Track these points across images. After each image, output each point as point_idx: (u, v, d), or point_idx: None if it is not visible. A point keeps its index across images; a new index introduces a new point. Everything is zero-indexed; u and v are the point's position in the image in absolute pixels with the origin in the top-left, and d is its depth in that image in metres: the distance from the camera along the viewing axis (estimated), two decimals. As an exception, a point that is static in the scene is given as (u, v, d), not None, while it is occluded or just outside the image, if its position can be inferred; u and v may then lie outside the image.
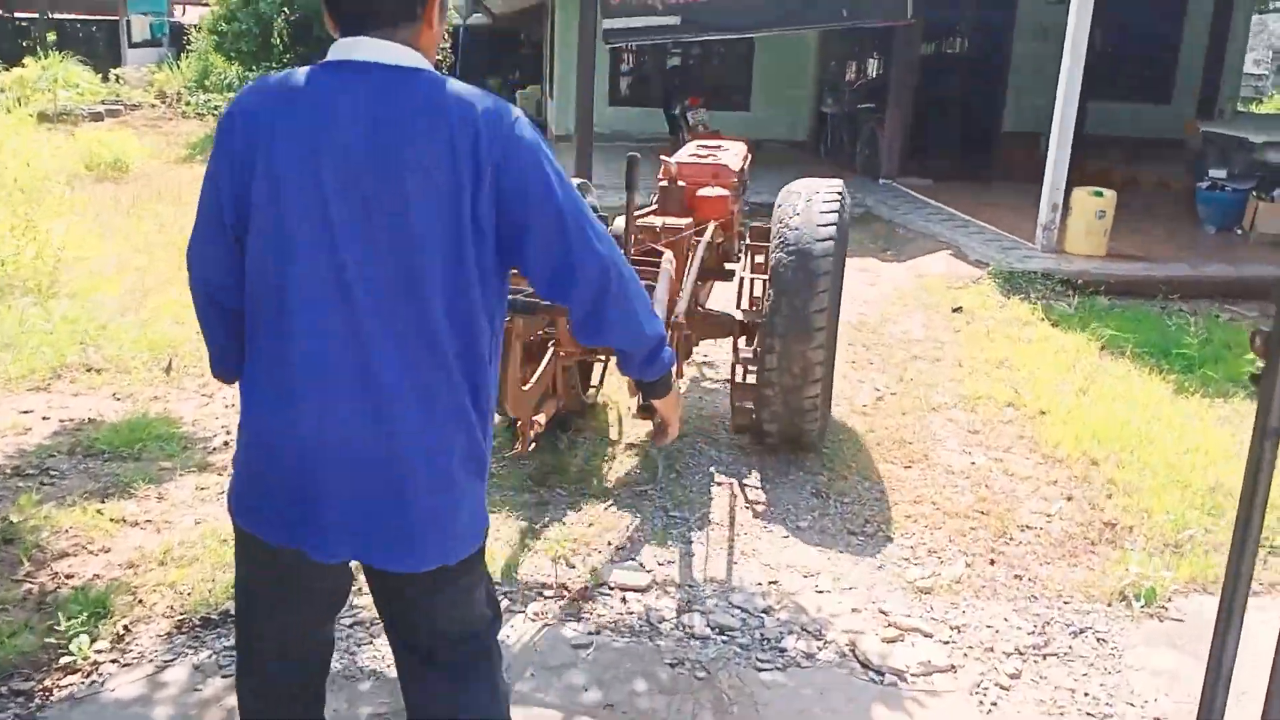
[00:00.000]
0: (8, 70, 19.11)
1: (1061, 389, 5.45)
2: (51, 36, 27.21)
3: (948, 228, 9.80)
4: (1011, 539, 3.90)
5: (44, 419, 4.70)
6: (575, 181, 4.91)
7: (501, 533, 3.74)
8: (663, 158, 5.26)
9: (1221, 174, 9.99)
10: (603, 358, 4.71)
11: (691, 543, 3.76)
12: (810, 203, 4.27)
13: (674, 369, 1.97)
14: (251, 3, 15.57)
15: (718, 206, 4.86)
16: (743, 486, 4.26)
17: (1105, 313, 7.12)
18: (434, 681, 1.93)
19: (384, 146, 1.64)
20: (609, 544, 3.70)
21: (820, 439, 4.52)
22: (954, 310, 7.10)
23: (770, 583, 3.49)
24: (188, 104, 18.83)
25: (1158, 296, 7.77)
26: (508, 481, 4.17)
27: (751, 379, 4.32)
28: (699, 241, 4.56)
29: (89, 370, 5.29)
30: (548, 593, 3.35)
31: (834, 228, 4.15)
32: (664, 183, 4.95)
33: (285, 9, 15.49)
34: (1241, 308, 7.68)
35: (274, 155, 1.68)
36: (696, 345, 4.85)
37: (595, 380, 5.03)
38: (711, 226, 4.79)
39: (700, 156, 5.28)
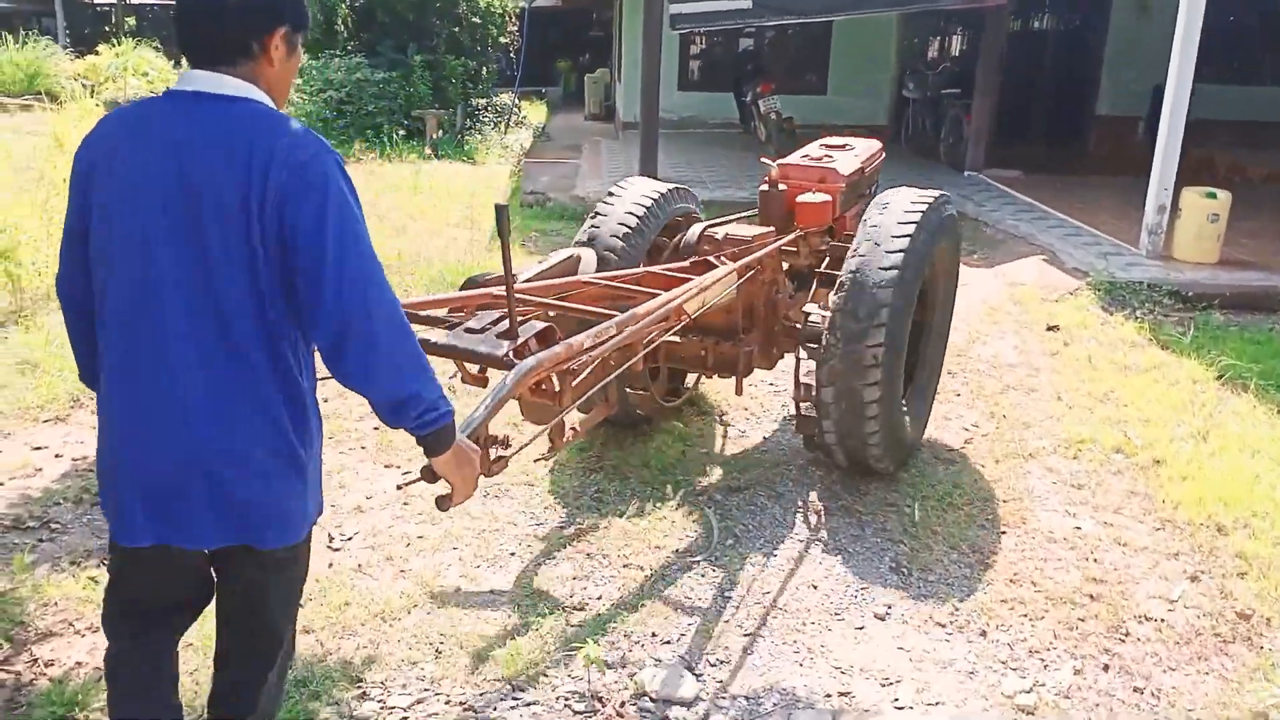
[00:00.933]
0: (81, 58, 19.21)
1: (1177, 432, 4.80)
2: (130, 21, 27.52)
3: (1040, 228, 9.07)
4: (1128, 634, 3.32)
5: (56, 456, 4.38)
6: (666, 188, 4.66)
7: (531, 620, 3.28)
8: (763, 159, 4.98)
9: (1347, 169, 9.09)
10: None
11: (750, 634, 3.26)
12: (894, 204, 4.14)
13: (444, 428, 1.92)
14: (316, -11, 15.29)
15: (817, 213, 4.49)
16: (810, 548, 3.74)
17: (1220, 333, 6.40)
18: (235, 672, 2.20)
19: (189, 172, 1.81)
20: (653, 635, 3.22)
21: (891, 458, 4.08)
22: (1049, 329, 6.44)
23: (842, 694, 2.97)
24: (256, 90, 18.66)
25: (1278, 311, 7.02)
26: (539, 548, 3.72)
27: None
28: (775, 251, 4.32)
29: (112, 398, 4.96)
30: (578, 704, 2.88)
31: (918, 215, 4.04)
32: (764, 187, 4.64)
33: (349, -5, 15.20)
34: (1376, 325, 6.89)
35: (108, 177, 1.88)
36: (781, 358, 4.51)
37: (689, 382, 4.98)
38: (791, 235, 4.48)
39: (814, 159, 4.83)
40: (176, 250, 1.82)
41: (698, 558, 3.68)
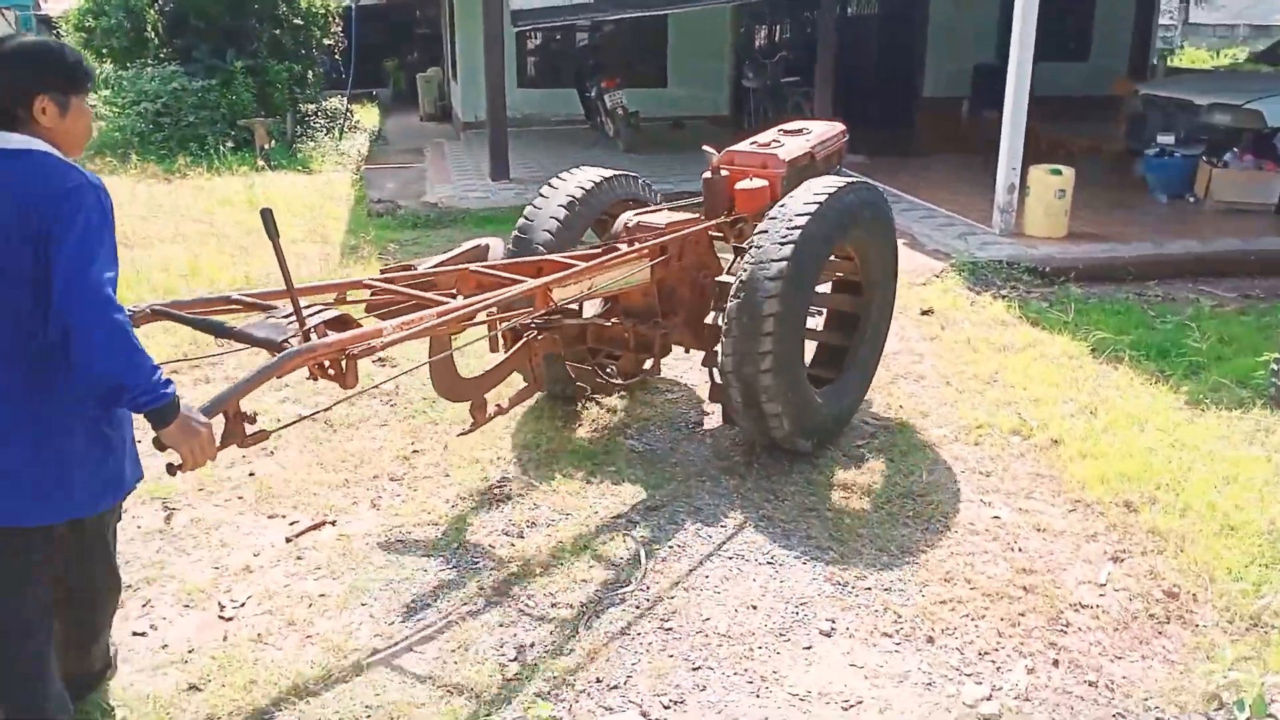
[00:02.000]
0: None
1: (1066, 409, 4.90)
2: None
3: (895, 211, 9.19)
4: (1068, 624, 3.31)
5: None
6: (605, 175, 4.83)
7: (463, 679, 3.01)
8: (705, 148, 4.97)
9: (1169, 139, 9.61)
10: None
11: (698, 667, 3.08)
12: (829, 176, 4.45)
13: (163, 407, 2.21)
14: (120, -7, 14.15)
15: (755, 199, 4.51)
16: (741, 564, 3.59)
17: (1083, 306, 6.62)
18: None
19: None
20: (598, 680, 3.00)
21: (789, 417, 4.10)
22: (924, 313, 6.52)
23: (805, 725, 2.83)
24: (58, 104, 17.23)
25: (1127, 280, 7.34)
26: (456, 595, 3.44)
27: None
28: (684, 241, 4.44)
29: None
30: (534, 772, 2.64)
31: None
32: (707, 174, 4.67)
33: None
34: (1215, 287, 7.27)
35: None
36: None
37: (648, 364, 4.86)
38: (716, 220, 4.57)
39: (760, 144, 4.80)
40: None
41: (628, 587, 3.48)
